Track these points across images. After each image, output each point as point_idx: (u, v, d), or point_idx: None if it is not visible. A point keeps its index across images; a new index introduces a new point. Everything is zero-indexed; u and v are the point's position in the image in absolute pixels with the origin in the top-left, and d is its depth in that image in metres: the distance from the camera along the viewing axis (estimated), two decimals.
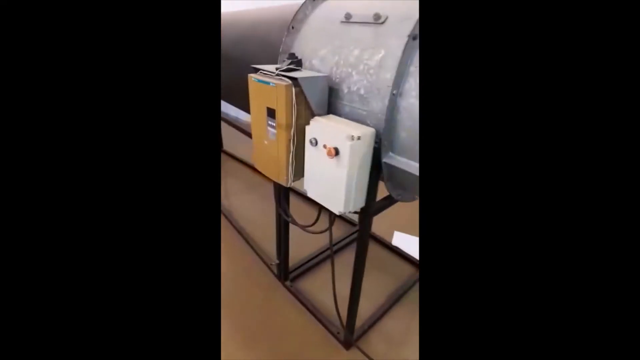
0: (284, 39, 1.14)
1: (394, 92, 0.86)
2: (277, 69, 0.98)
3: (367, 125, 0.93)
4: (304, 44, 1.12)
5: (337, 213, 0.97)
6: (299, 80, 0.91)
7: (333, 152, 0.87)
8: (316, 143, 0.94)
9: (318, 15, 1.14)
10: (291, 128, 0.97)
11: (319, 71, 1.03)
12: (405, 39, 0.85)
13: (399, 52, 0.85)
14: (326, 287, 1.44)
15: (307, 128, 0.96)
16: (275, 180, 1.10)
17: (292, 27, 1.14)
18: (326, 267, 1.75)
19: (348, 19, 1.00)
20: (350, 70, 0.96)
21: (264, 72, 1.01)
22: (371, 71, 0.91)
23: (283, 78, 0.94)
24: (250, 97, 1.06)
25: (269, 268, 1.73)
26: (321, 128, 0.93)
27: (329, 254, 1.61)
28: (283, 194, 1.33)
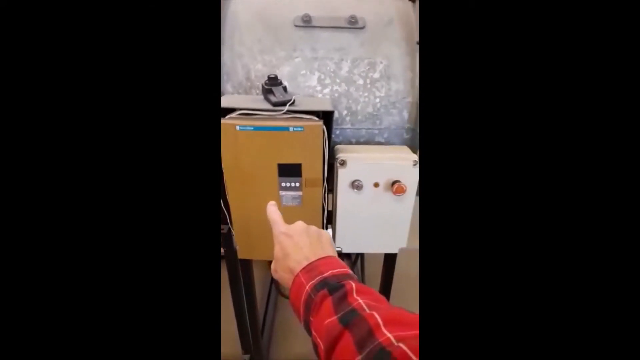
0: None
1: (409, 100, 0.80)
2: (274, 103, 0.64)
3: (382, 143, 0.83)
4: (245, 58, 0.77)
5: (397, 251, 0.84)
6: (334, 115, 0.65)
7: (404, 187, 0.72)
8: (361, 186, 0.74)
9: (241, 15, 0.79)
10: (323, 181, 0.70)
11: (292, 94, 0.76)
12: (404, 46, 0.79)
13: (405, 60, 0.78)
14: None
15: (341, 172, 0.72)
16: None
17: None
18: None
19: (307, 22, 0.78)
20: (346, 87, 0.78)
21: (246, 112, 0.63)
22: (377, 84, 0.79)
23: (301, 116, 0.63)
24: (233, 156, 0.64)
25: None
26: (364, 165, 0.73)
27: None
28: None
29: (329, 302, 0.34)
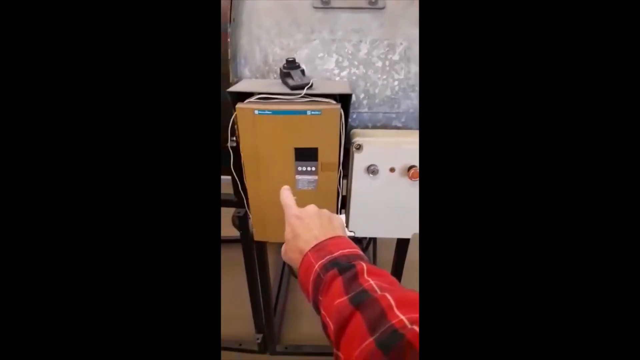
0: (228, 39, 0.72)
1: None
2: (292, 87, 0.63)
3: (398, 127, 0.82)
4: (263, 41, 0.76)
5: (411, 237, 0.84)
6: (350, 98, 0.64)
7: (418, 172, 0.72)
8: (377, 171, 0.73)
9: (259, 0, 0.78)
10: (339, 165, 0.70)
11: (309, 77, 0.75)
12: None
13: None
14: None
15: (357, 156, 0.72)
16: None
17: (233, 19, 0.73)
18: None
19: (326, 3, 0.76)
20: (364, 70, 0.77)
21: (264, 96, 0.63)
22: (397, 67, 0.77)
23: (319, 100, 0.63)
24: (252, 140, 0.64)
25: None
26: (380, 150, 0.72)
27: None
28: None
29: (339, 282, 0.34)
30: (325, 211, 0.46)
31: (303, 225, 0.42)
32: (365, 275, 0.33)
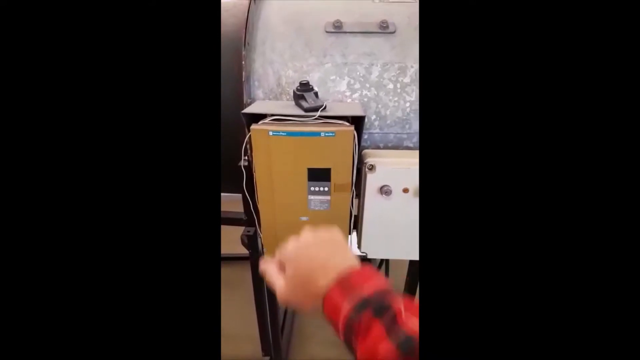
0: (243, 62, 0.74)
1: None
2: (306, 109, 0.64)
3: (410, 148, 0.82)
4: (276, 64, 0.78)
5: None
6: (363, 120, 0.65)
7: None
8: (390, 192, 0.73)
9: (272, 22, 0.80)
10: (352, 186, 0.70)
11: (322, 99, 0.76)
12: None
13: None
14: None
15: (370, 176, 0.72)
16: None
17: (248, 43, 0.76)
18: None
19: (338, 28, 0.78)
20: (375, 92, 0.78)
21: (279, 118, 0.64)
22: (408, 89, 0.78)
23: (332, 122, 0.63)
24: (266, 160, 0.65)
25: None
26: (393, 170, 0.72)
27: None
28: None
29: (379, 326, 0.33)
30: (322, 235, 0.43)
31: (306, 267, 0.40)
32: (404, 317, 0.33)
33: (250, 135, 0.64)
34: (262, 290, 1.03)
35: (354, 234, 0.83)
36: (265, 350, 1.22)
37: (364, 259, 0.43)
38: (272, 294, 1.05)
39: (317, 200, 0.69)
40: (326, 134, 0.61)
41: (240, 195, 0.79)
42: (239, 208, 0.85)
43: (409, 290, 0.96)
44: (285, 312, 1.48)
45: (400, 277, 1.00)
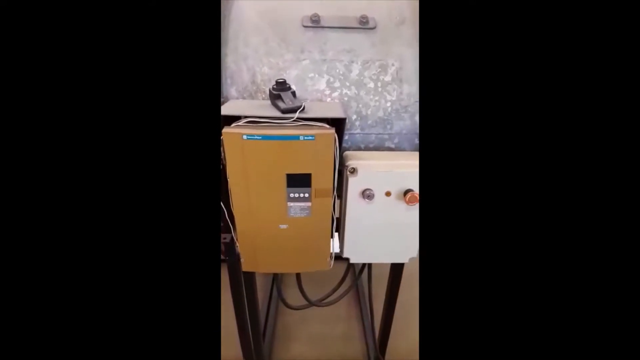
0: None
1: None
2: (283, 110, 0.60)
3: (392, 149, 0.80)
4: (250, 60, 0.72)
5: (407, 261, 0.81)
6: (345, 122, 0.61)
7: (417, 196, 0.69)
8: (373, 195, 0.70)
9: (246, 14, 0.75)
10: (333, 191, 0.66)
11: (300, 99, 0.72)
12: (416, 46, 0.75)
13: (418, 62, 0.75)
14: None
15: (352, 180, 0.69)
16: (310, 270, 0.74)
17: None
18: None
19: (316, 22, 0.73)
20: (356, 91, 0.75)
21: (253, 120, 0.59)
22: (389, 87, 0.75)
23: (312, 124, 0.60)
24: (240, 167, 0.60)
25: None
26: (376, 173, 0.70)
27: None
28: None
29: None
30: None
31: None
32: None
33: (222, 139, 0.59)
34: (240, 293, 0.99)
35: (336, 237, 0.80)
36: (246, 354, 1.18)
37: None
38: (252, 299, 1.01)
39: (297, 207, 0.65)
40: (305, 138, 0.57)
41: None
42: None
43: (391, 294, 0.95)
44: (267, 315, 1.44)
45: (382, 281, 0.98)
